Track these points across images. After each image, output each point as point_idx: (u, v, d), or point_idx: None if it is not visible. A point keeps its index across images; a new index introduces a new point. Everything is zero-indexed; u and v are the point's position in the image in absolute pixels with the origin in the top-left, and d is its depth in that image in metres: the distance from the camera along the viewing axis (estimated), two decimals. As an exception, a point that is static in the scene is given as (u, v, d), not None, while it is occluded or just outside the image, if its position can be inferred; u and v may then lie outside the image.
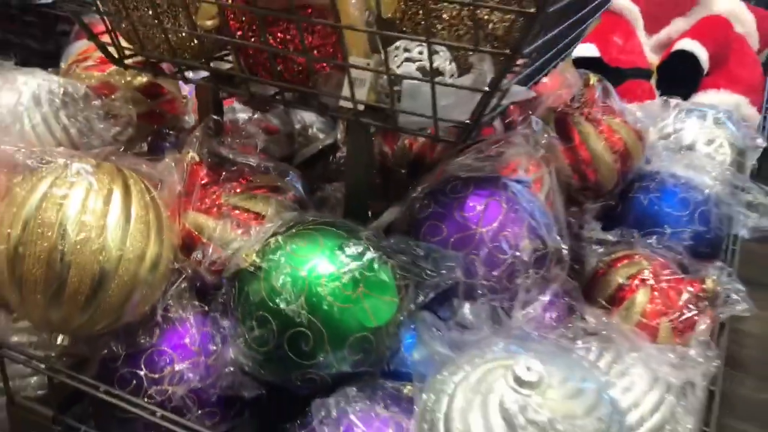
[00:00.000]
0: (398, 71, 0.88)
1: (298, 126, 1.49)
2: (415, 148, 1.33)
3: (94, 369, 0.92)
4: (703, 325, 1.07)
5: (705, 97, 2.04)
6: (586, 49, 1.92)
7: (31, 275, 0.82)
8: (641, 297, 1.12)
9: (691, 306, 1.09)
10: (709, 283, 1.11)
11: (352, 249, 0.86)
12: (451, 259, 0.89)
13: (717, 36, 2.14)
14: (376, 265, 0.86)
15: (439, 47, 0.91)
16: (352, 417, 0.80)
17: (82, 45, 1.32)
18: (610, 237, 1.22)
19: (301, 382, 0.86)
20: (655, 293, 1.11)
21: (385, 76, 0.87)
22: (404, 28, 0.93)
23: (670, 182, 1.27)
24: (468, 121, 0.86)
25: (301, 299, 0.82)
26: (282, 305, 0.82)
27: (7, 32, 2.27)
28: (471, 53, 0.90)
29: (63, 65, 1.29)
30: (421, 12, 0.92)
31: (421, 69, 0.88)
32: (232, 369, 0.88)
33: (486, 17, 0.88)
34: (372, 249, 0.87)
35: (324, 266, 0.84)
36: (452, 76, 0.91)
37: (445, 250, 0.90)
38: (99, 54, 1.18)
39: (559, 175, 1.24)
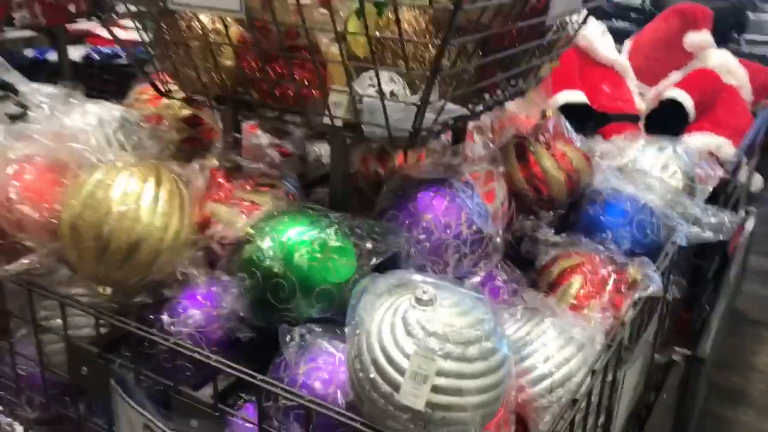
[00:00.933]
0: (362, 94, 1.18)
1: (313, 155, 1.80)
2: (404, 168, 1.61)
3: (133, 318, 1.21)
4: (625, 305, 1.30)
5: (689, 138, 2.27)
6: (573, 96, 2.18)
7: (85, 239, 1.13)
8: (575, 284, 1.36)
9: (615, 291, 1.32)
10: (631, 272, 1.34)
11: (322, 223, 1.15)
12: (396, 233, 1.16)
13: (703, 87, 2.38)
14: (339, 236, 1.14)
15: (396, 78, 1.21)
16: (311, 344, 1.07)
17: (143, 85, 1.67)
18: (559, 239, 1.46)
19: (280, 324, 1.13)
20: (587, 280, 1.35)
21: (358, 101, 1.17)
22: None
23: (613, 195, 1.51)
24: (410, 129, 1.14)
25: (279, 258, 1.11)
26: (266, 262, 1.11)
27: (89, 88, 2.69)
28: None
29: (128, 100, 1.64)
30: (381, 50, 1.22)
31: (378, 92, 1.17)
32: (230, 318, 1.17)
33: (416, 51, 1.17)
34: (337, 224, 1.15)
35: (299, 235, 1.13)
36: (405, 96, 1.20)
37: (392, 226, 1.18)
38: (153, 92, 1.53)
39: (517, 188, 1.50)
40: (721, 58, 2.55)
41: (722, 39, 2.67)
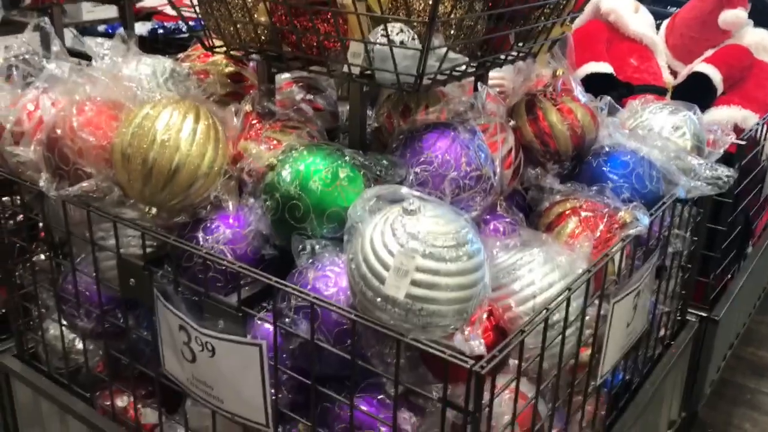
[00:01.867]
0: (376, 44, 1.33)
1: (346, 114, 1.96)
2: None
3: (174, 235, 1.39)
4: (615, 245, 1.42)
5: (716, 111, 2.34)
6: (599, 67, 2.28)
7: (133, 164, 1.32)
8: (570, 224, 1.49)
9: (607, 231, 1.44)
10: (623, 215, 1.46)
11: (335, 156, 1.31)
12: (401, 165, 1.31)
13: (733, 61, 2.44)
14: (349, 167, 1.30)
15: (406, 29, 1.35)
16: (320, 255, 1.23)
17: (194, 45, 1.86)
18: (562, 187, 1.59)
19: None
20: (581, 221, 1.47)
21: (371, 50, 1.32)
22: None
23: (614, 149, 1.62)
24: (415, 74, 1.29)
25: (296, 182, 1.28)
26: (284, 186, 1.28)
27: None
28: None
29: (182, 55, 1.84)
30: (395, 5, 1.37)
31: (388, 41, 1.33)
32: (256, 236, 1.34)
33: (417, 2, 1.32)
34: (348, 157, 1.31)
35: (314, 165, 1.29)
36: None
37: (397, 159, 1.33)
38: (203, 51, 1.72)
39: (526, 141, 1.63)
40: (757, 36, 2.60)
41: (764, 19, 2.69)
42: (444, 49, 1.30)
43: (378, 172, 1.30)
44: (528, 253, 1.34)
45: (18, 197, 1.67)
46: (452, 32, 1.33)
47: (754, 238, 2.49)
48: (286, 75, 1.81)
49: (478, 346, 1.04)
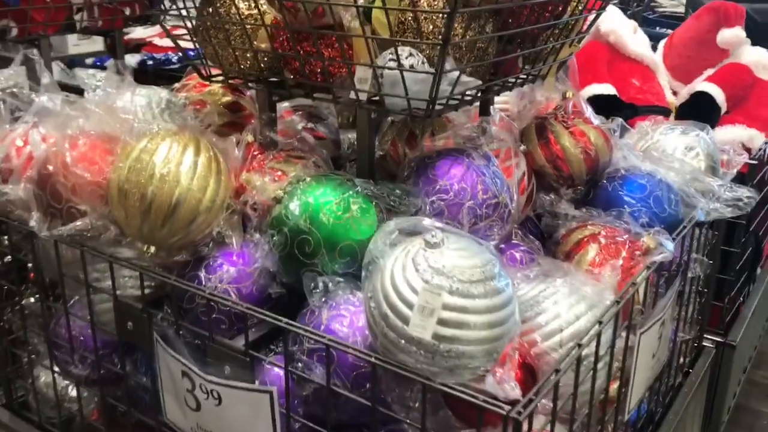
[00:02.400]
0: (383, 66, 1.27)
1: (347, 142, 1.90)
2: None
3: (174, 275, 1.31)
4: (640, 273, 1.35)
5: (721, 131, 2.29)
6: (602, 89, 2.24)
7: (131, 199, 1.24)
8: (591, 252, 1.42)
9: (629, 258, 1.38)
10: (646, 240, 1.39)
11: (346, 187, 1.24)
12: (415, 195, 1.24)
13: (735, 80, 2.40)
14: (361, 197, 1.23)
15: (415, 52, 1.29)
16: (334, 293, 1.16)
17: (190, 74, 1.79)
18: (577, 213, 1.52)
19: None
20: (602, 248, 1.41)
21: (380, 74, 1.26)
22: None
23: (631, 172, 1.56)
24: (427, 99, 1.23)
25: (306, 215, 1.20)
26: (293, 220, 1.20)
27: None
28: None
29: (175, 87, 1.77)
30: (402, 29, 1.31)
31: (398, 65, 1.26)
32: (262, 274, 1.26)
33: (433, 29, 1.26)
34: (360, 188, 1.24)
35: (324, 196, 1.22)
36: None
37: (411, 189, 1.26)
38: (199, 80, 1.66)
39: (539, 166, 1.57)
40: (755, 54, 2.57)
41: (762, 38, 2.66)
42: (456, 73, 1.24)
43: (391, 203, 1.23)
44: (551, 284, 1.27)
45: (6, 237, 1.58)
46: (465, 55, 1.27)
47: (763, 259, 2.44)
48: (285, 104, 1.75)
49: (512, 389, 0.96)
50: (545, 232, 1.57)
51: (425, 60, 1.30)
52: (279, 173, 1.37)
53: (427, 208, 1.25)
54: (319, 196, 1.22)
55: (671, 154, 1.74)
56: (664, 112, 2.32)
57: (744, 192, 1.54)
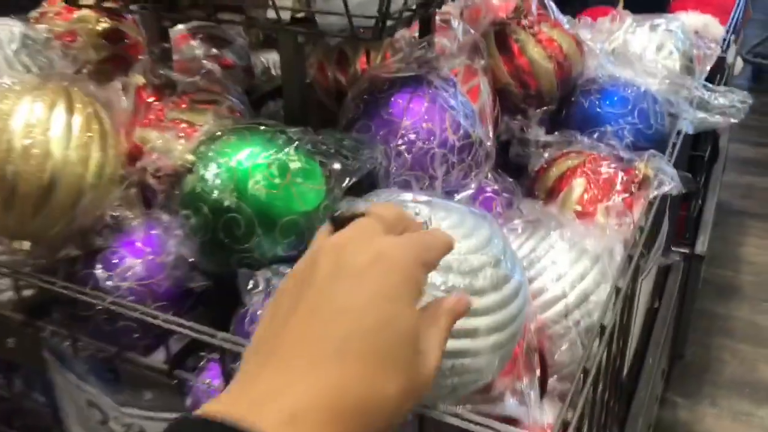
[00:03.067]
0: (311, -25, 0.95)
1: (261, 66, 1.56)
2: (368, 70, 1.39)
3: (61, 276, 1.00)
4: (637, 208, 1.12)
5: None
6: (546, -21, 1.95)
7: (-14, 184, 0.90)
8: (577, 187, 1.17)
9: (624, 192, 1.15)
10: (641, 167, 1.16)
11: (279, 141, 0.93)
12: (372, 146, 0.95)
13: (684, -39, 2.16)
14: (303, 155, 0.93)
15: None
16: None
17: (46, -1, 1.40)
18: (552, 138, 1.27)
19: (240, 266, 0.93)
20: (591, 182, 1.17)
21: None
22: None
23: (609, 83, 1.32)
24: (376, 15, 0.92)
25: (230, 187, 0.90)
26: (213, 194, 0.90)
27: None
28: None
29: (32, 14, 1.37)
30: None
31: (331, -29, 0.94)
32: (178, 265, 0.96)
33: None
34: (298, 141, 0.94)
35: (252, 157, 0.91)
36: (365, -23, 0.97)
37: (364, 138, 0.97)
38: (63, 4, 1.27)
39: (501, 83, 1.29)
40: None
41: None
42: (410, -23, 0.93)
43: (342, 158, 0.94)
44: (545, 239, 1.02)
45: None
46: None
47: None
48: (180, 26, 1.39)
49: (542, 412, 0.72)
50: (515, 163, 1.31)
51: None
52: (185, 126, 1.05)
53: (391, 163, 0.97)
54: (245, 158, 0.91)
55: (639, 54, 1.50)
56: (612, 1, 2.07)
57: (736, 97, 1.32)
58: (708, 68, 1.56)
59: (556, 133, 1.28)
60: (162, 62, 1.14)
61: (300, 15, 1.00)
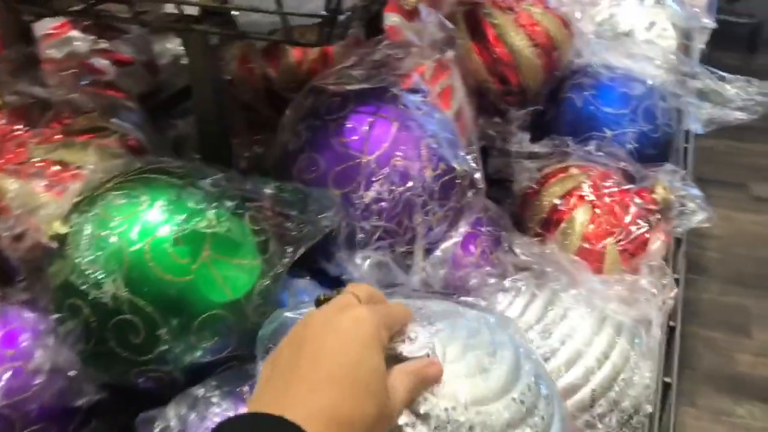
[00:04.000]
0: (226, -45, 0.65)
1: (168, 57, 1.25)
2: (305, 65, 1.10)
3: None
4: (657, 243, 0.89)
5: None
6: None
7: None
8: (581, 217, 0.93)
9: (640, 221, 0.91)
10: (659, 191, 0.92)
11: (191, 201, 0.65)
12: (328, 199, 0.67)
13: None
14: (225, 219, 0.65)
15: None
16: (200, 418, 0.60)
17: None
18: (540, 149, 1.02)
19: (145, 382, 0.65)
20: (597, 210, 0.92)
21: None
22: None
23: (605, 76, 1.07)
24: (324, 13, 0.64)
25: (118, 277, 0.61)
26: (95, 287, 0.61)
27: None
28: None
29: None
30: None
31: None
32: (57, 376, 0.67)
33: None
34: (220, 198, 0.66)
35: (149, 228, 0.63)
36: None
37: (319, 188, 0.69)
38: None
39: (475, 79, 1.03)
40: None
41: None
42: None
43: (286, 220, 0.66)
44: (554, 301, 0.78)
45: None
46: None
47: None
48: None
49: None
50: (494, 177, 1.05)
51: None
52: (56, 168, 0.74)
53: (357, 224, 0.69)
54: (142, 229, 0.62)
55: (627, 33, 1.26)
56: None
57: (755, 89, 1.09)
58: (704, 45, 1.33)
59: (544, 140, 1.03)
60: (25, 70, 0.82)
61: (211, 10, 0.71)
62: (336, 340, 0.44)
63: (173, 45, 1.26)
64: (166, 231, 0.62)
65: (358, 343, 0.43)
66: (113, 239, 0.61)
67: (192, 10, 0.71)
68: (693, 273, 2.40)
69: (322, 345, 0.44)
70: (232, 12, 0.68)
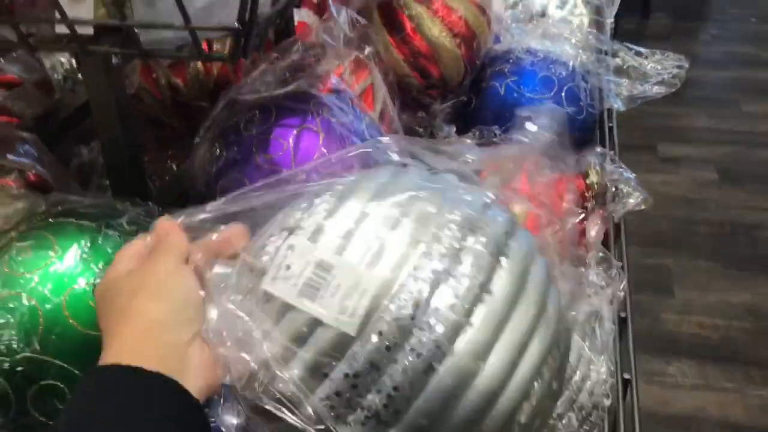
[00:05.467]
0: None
1: (60, 70, 1.15)
2: (214, 71, 1.03)
3: None
4: (594, 229, 0.88)
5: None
6: None
7: None
8: (517, 210, 0.90)
9: (577, 209, 0.89)
10: (593, 176, 0.91)
11: (108, 244, 0.58)
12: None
13: None
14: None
15: None
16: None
17: None
18: (468, 141, 0.99)
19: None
20: (533, 202, 0.90)
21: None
22: None
23: (526, 60, 1.05)
24: (237, 26, 0.58)
25: (34, 339, 0.54)
26: (7, 355, 0.54)
27: None
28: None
29: None
30: None
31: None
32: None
33: None
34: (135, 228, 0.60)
35: (64, 281, 0.56)
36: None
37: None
38: None
39: (395, 75, 0.99)
40: None
41: None
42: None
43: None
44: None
45: None
46: None
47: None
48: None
49: None
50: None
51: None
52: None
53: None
54: (57, 283, 0.56)
55: (540, 12, 1.25)
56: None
57: (673, 62, 1.10)
58: (612, 19, 1.33)
59: (471, 131, 1.00)
60: None
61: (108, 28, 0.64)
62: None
63: (65, 57, 1.17)
64: (83, 282, 0.56)
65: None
66: (24, 299, 0.55)
67: (86, 29, 0.64)
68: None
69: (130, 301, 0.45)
70: (136, 31, 0.61)
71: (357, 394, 0.41)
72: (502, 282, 0.44)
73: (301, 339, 0.41)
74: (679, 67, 1.09)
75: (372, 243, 0.43)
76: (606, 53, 1.11)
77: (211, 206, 0.51)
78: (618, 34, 1.34)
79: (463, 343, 0.42)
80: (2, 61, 0.97)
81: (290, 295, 0.42)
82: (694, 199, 2.69)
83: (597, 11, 1.27)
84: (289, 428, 0.41)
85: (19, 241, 0.58)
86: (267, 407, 0.41)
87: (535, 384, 0.45)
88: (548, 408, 0.48)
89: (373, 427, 0.41)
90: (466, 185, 0.52)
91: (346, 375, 0.41)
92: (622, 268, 0.78)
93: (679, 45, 3.45)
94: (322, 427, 0.40)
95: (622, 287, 0.73)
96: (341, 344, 0.41)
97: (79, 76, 1.13)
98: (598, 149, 0.94)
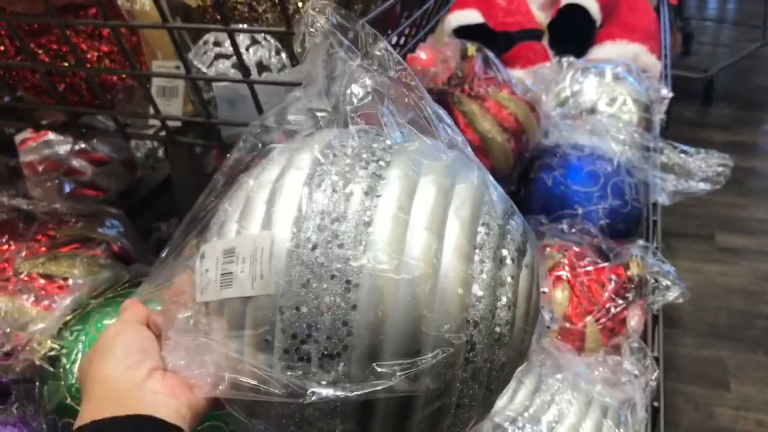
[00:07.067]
0: (208, 71, 0.68)
1: (145, 149, 1.27)
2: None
3: None
4: (635, 319, 0.91)
5: (602, 50, 1.90)
6: (467, 17, 1.74)
7: None
8: (560, 297, 0.95)
9: (617, 298, 0.93)
10: (633, 268, 0.95)
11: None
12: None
13: (604, -15, 2.00)
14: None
15: (261, 38, 0.71)
16: None
17: None
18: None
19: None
20: (575, 290, 0.95)
21: (198, 85, 0.67)
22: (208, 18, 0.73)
23: (573, 155, 1.10)
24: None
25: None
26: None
27: None
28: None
29: None
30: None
31: (237, 66, 0.68)
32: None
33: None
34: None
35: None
36: (282, 69, 0.71)
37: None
38: None
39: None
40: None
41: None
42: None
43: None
44: (545, 391, 0.79)
45: None
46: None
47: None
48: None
49: None
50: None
51: (277, 46, 0.73)
52: (43, 282, 0.75)
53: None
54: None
55: (590, 108, 1.31)
56: (537, 35, 1.88)
57: (717, 160, 1.14)
58: (663, 116, 1.38)
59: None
60: (6, 184, 0.84)
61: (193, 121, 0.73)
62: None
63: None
64: (158, 346, 0.63)
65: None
66: (106, 358, 0.62)
67: (175, 122, 0.73)
68: (666, 327, 2.43)
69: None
70: (219, 127, 0.70)
71: (301, 342, 0.42)
72: (391, 185, 0.45)
73: (238, 324, 0.44)
74: (723, 165, 1.13)
75: (259, 211, 0.45)
76: (653, 150, 1.16)
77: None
78: (678, 123, 1.37)
79: (370, 248, 0.43)
80: (95, 141, 1.08)
81: (215, 293, 0.45)
82: (753, 292, 2.64)
83: (645, 109, 1.32)
84: (275, 408, 0.44)
85: (104, 306, 0.66)
86: (245, 400, 0.44)
87: (475, 257, 0.45)
88: (504, 282, 0.46)
89: (330, 363, 0.42)
90: None
91: (284, 331, 0.42)
92: (656, 359, 0.81)
93: (741, 134, 3.47)
94: (296, 389, 0.42)
95: (654, 377, 0.76)
96: (269, 307, 0.43)
97: (160, 154, 1.24)
98: (641, 242, 0.98)
